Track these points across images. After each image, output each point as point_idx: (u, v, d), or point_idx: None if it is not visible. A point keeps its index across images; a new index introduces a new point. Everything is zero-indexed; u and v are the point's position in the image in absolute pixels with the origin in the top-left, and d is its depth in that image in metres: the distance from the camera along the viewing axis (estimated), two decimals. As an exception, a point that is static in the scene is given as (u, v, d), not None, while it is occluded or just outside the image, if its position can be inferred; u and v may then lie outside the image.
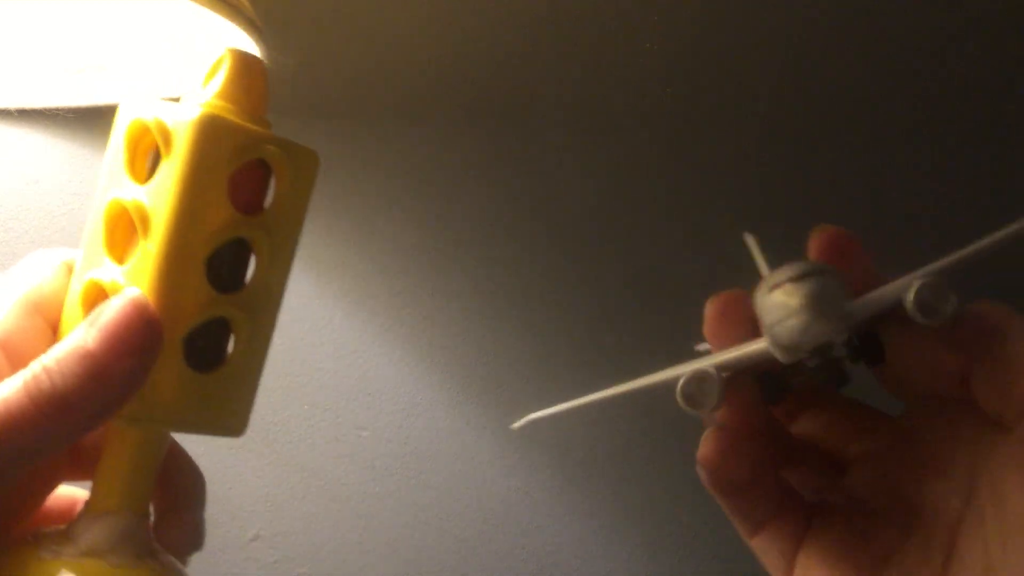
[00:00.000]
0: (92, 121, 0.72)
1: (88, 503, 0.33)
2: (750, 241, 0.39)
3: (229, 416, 0.34)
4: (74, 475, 0.37)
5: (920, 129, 0.82)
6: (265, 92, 0.33)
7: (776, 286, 0.31)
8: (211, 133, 0.31)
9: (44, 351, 0.33)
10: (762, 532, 0.36)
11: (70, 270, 0.34)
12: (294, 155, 0.33)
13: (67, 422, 0.29)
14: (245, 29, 0.48)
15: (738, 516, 0.36)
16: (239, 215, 0.32)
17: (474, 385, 0.77)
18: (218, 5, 0.46)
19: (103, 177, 0.33)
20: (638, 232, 0.80)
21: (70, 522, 0.33)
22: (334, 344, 0.75)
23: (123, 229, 0.33)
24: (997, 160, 0.83)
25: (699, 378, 0.34)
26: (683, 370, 0.34)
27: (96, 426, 0.30)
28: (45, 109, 0.63)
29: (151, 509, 0.35)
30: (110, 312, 0.29)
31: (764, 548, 0.36)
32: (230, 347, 0.34)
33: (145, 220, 0.31)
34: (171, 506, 0.36)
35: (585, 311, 0.78)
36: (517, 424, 0.37)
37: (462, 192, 0.78)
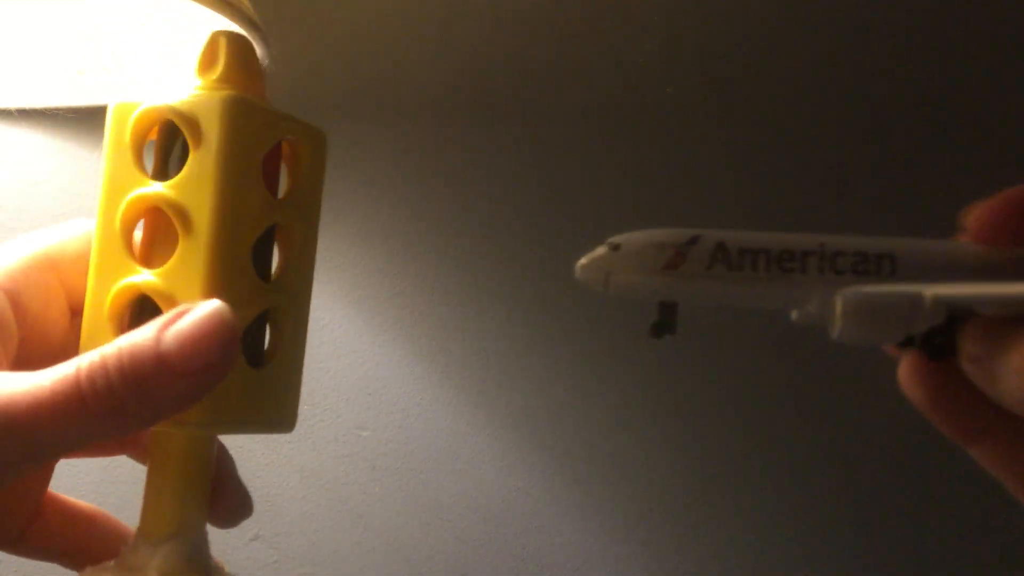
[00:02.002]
0: (92, 121, 0.71)
1: (142, 528, 0.31)
2: None
3: (281, 411, 0.32)
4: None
5: (921, 129, 0.82)
6: (262, 71, 0.32)
7: None
8: (242, 116, 0.29)
9: (53, 310, 0.31)
10: (973, 447, 0.33)
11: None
12: (308, 134, 0.32)
13: (113, 425, 0.27)
14: (245, 29, 0.48)
15: (944, 430, 0.33)
16: (273, 200, 0.30)
17: (474, 385, 0.77)
18: (218, 5, 0.46)
19: (105, 179, 0.31)
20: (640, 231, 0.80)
21: (122, 553, 0.31)
22: (334, 344, 0.75)
23: (149, 233, 0.31)
24: (999, 161, 0.83)
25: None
26: None
27: (142, 430, 0.29)
28: (45, 109, 0.63)
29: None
30: (193, 320, 0.27)
31: (983, 458, 0.33)
32: (267, 339, 0.32)
33: (185, 217, 0.29)
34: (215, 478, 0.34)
35: (585, 311, 0.78)
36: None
37: (462, 192, 0.78)
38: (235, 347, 0.28)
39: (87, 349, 0.29)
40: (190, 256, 0.29)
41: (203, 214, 0.29)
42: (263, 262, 0.31)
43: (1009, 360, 0.28)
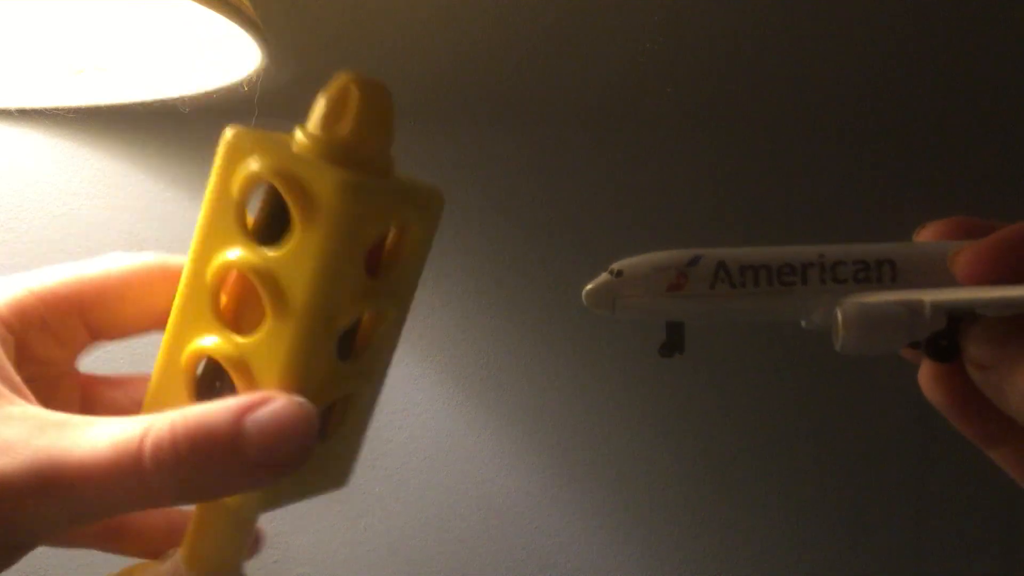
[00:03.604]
0: (92, 121, 0.72)
1: (185, 555, 0.30)
2: None
3: (337, 475, 0.31)
4: None
5: (922, 129, 0.82)
6: (392, 125, 0.29)
7: None
8: (359, 204, 0.26)
9: (63, 336, 0.31)
10: (993, 451, 0.33)
11: (151, 268, 0.32)
12: (422, 202, 0.29)
13: (166, 498, 0.26)
14: (245, 29, 0.48)
15: (964, 433, 0.33)
16: (371, 284, 0.28)
17: (474, 385, 0.77)
18: (218, 5, 0.46)
19: (203, 222, 0.28)
20: (639, 231, 0.80)
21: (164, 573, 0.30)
22: (334, 344, 0.75)
23: (234, 292, 0.29)
24: (1001, 160, 0.83)
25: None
26: None
27: (185, 505, 0.27)
28: (45, 109, 0.63)
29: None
30: (278, 414, 0.26)
31: (1003, 462, 0.33)
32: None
33: (279, 294, 0.27)
34: None
35: (585, 311, 0.78)
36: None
37: (462, 191, 0.78)
38: (312, 448, 0.26)
39: (155, 401, 0.28)
40: (276, 336, 0.27)
41: (298, 296, 0.26)
42: (347, 343, 0.29)
43: (1016, 381, 0.28)
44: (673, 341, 0.33)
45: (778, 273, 0.31)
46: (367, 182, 0.27)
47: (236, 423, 0.26)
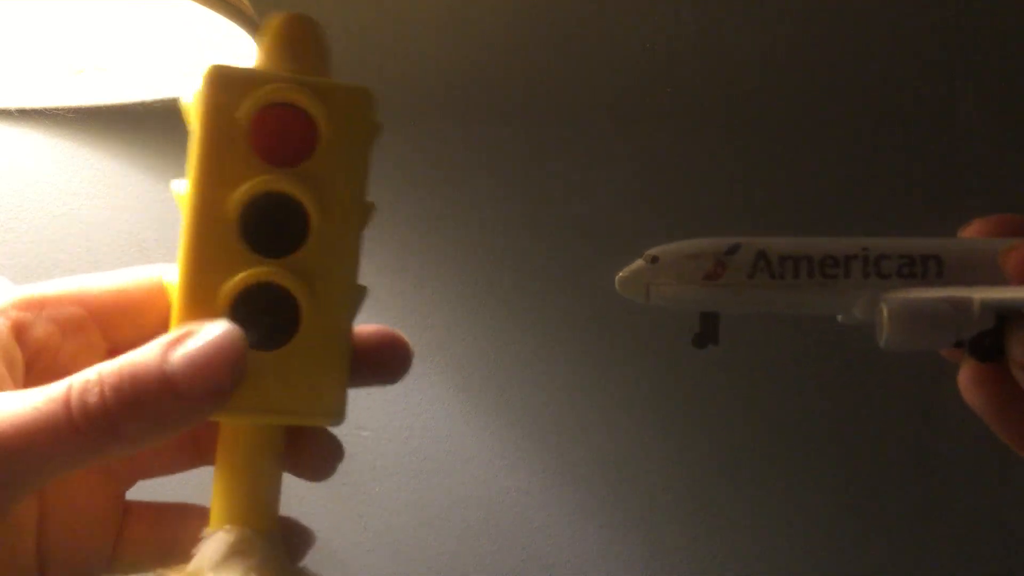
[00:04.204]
0: (92, 121, 0.72)
1: (213, 523, 0.30)
2: None
3: (314, 397, 0.30)
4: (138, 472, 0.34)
5: (923, 130, 0.82)
6: (313, 47, 0.32)
7: None
8: (217, 85, 0.29)
9: (72, 344, 0.30)
10: None
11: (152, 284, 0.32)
12: (332, 95, 0.31)
13: (106, 446, 0.26)
14: (245, 29, 0.48)
15: (1001, 436, 0.33)
16: (269, 167, 0.29)
17: (474, 385, 0.77)
18: (218, 5, 0.46)
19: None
20: (639, 231, 0.80)
21: (193, 552, 0.30)
22: (334, 344, 0.75)
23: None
24: (1001, 159, 0.83)
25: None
26: None
27: (142, 448, 0.27)
28: (45, 109, 0.63)
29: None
30: (204, 344, 0.27)
31: None
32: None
33: (182, 203, 0.30)
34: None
35: (586, 311, 0.78)
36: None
37: (462, 191, 0.78)
38: (243, 371, 0.27)
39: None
40: (181, 233, 0.29)
41: (186, 191, 0.30)
42: (272, 235, 0.30)
43: None
44: (707, 332, 0.32)
45: (820, 265, 0.31)
46: (221, 67, 0.29)
47: (163, 358, 0.26)
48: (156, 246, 0.72)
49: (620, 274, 0.33)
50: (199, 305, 0.29)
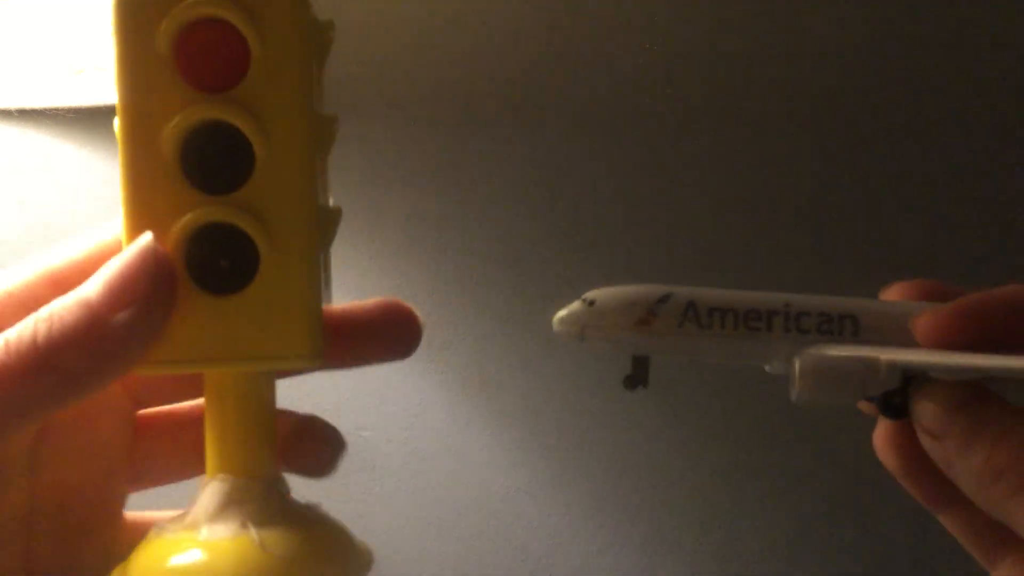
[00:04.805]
0: (92, 121, 0.72)
1: (208, 473, 0.30)
2: None
3: (286, 338, 0.28)
4: (140, 479, 0.33)
5: (923, 131, 0.82)
6: None
7: None
8: (129, 6, 0.27)
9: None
10: (941, 515, 0.34)
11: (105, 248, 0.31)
12: (257, 5, 0.27)
13: (52, 382, 0.26)
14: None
15: (914, 495, 0.34)
16: (201, 94, 0.27)
17: (474, 385, 0.77)
18: (218, 5, 0.46)
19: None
20: (638, 232, 0.80)
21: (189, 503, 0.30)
22: (334, 344, 0.75)
23: None
24: (1000, 160, 0.83)
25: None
26: None
27: (94, 387, 0.27)
28: (45, 109, 0.63)
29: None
30: (118, 262, 0.26)
31: (950, 526, 0.34)
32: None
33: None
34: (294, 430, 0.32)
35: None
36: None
37: (462, 191, 0.78)
38: (167, 278, 0.26)
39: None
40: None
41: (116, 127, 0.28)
42: (216, 170, 0.27)
43: (967, 457, 0.28)
44: (638, 375, 0.34)
45: (744, 318, 0.32)
46: None
47: (88, 284, 0.26)
48: (156, 246, 0.72)
49: (558, 314, 0.34)
50: None
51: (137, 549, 0.28)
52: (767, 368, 0.34)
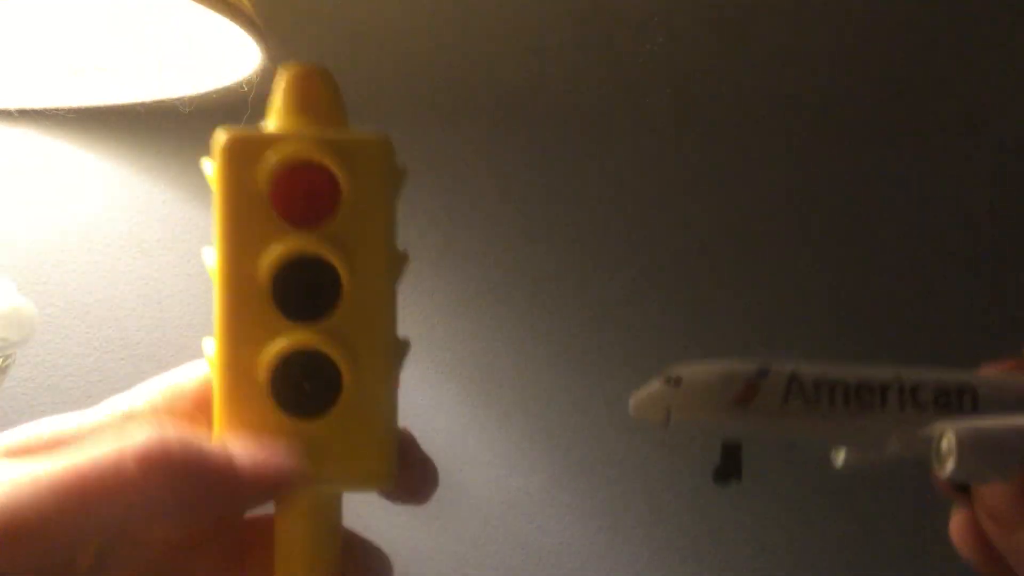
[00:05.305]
0: (92, 121, 0.71)
1: None
2: None
3: (363, 462, 0.31)
4: None
5: (924, 131, 0.82)
6: (326, 99, 0.31)
7: None
8: (231, 152, 0.29)
9: None
10: None
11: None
12: (350, 149, 0.30)
13: (160, 506, 0.26)
14: (245, 29, 0.48)
15: None
16: (294, 229, 0.29)
17: (474, 385, 0.77)
18: (218, 5, 0.46)
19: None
20: (638, 232, 0.80)
21: None
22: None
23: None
24: (999, 162, 0.83)
25: None
26: None
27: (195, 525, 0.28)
28: (45, 109, 0.63)
29: None
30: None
31: None
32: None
33: (213, 275, 0.29)
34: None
35: (586, 311, 0.78)
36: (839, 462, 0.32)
37: (462, 192, 0.78)
38: (296, 480, 0.28)
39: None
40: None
41: (214, 264, 0.29)
42: (304, 300, 0.29)
43: None
44: (730, 465, 0.31)
45: (856, 392, 0.30)
46: (234, 135, 0.29)
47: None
48: (156, 246, 0.72)
49: (636, 395, 0.31)
50: (239, 379, 0.29)
51: None
52: (838, 462, 0.31)
